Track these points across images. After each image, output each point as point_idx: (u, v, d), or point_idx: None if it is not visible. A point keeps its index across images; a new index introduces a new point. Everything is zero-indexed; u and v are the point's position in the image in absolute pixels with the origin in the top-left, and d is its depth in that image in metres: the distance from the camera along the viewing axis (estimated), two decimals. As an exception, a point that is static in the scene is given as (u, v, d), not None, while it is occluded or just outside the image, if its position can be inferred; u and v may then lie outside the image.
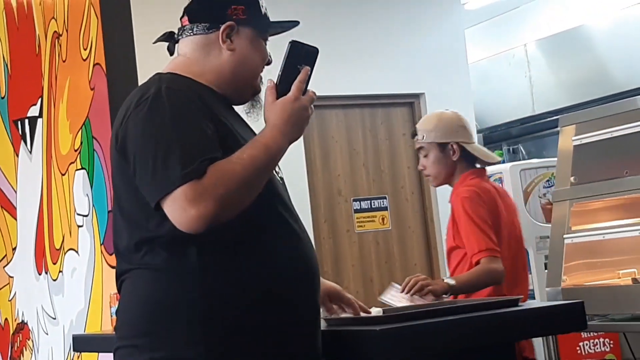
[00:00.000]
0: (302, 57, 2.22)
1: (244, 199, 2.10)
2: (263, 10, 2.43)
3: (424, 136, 3.92)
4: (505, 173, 5.88)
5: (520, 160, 7.26)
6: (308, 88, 2.18)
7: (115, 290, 4.39)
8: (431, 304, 3.03)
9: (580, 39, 7.70)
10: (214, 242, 2.14)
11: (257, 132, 2.21)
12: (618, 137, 4.81)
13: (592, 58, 7.57)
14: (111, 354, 4.64)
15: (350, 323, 2.66)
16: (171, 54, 2.49)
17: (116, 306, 4.18)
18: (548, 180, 5.72)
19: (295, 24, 2.48)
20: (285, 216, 2.27)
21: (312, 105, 2.20)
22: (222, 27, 2.34)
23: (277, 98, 2.18)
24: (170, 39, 2.49)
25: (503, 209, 3.90)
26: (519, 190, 5.82)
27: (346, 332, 2.54)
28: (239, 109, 2.40)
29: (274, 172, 2.27)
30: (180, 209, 2.04)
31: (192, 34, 2.39)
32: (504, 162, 7.47)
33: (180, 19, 2.45)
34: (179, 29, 2.43)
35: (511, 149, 8.21)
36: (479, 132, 7.84)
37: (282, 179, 2.38)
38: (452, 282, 3.56)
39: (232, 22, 2.35)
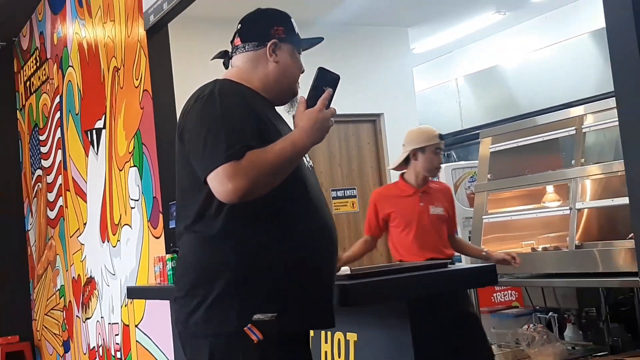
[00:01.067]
0: (327, 80, 2.17)
1: (271, 180, 2.02)
2: (296, 29, 2.35)
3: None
4: (442, 172, 5.90)
5: (452, 162, 7.29)
6: (331, 106, 2.12)
7: (159, 254, 4.45)
8: (384, 265, 2.96)
9: (495, 74, 7.78)
10: (251, 214, 2.07)
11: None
12: (521, 146, 4.89)
13: (504, 88, 7.64)
14: (154, 300, 4.69)
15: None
16: (226, 67, 2.40)
17: (159, 265, 4.24)
18: (472, 177, 5.75)
19: (320, 39, 2.40)
20: (309, 194, 2.18)
21: (332, 118, 2.11)
22: (269, 44, 2.26)
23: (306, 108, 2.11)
24: (225, 55, 2.41)
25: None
26: (451, 184, 5.83)
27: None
28: (281, 110, 2.33)
29: (305, 160, 2.21)
30: (220, 182, 1.96)
31: (244, 50, 2.29)
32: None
33: (232, 41, 2.35)
34: (233, 48, 2.34)
35: (446, 154, 8.21)
36: (423, 141, 7.89)
37: (311, 166, 2.30)
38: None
39: (276, 40, 2.27)
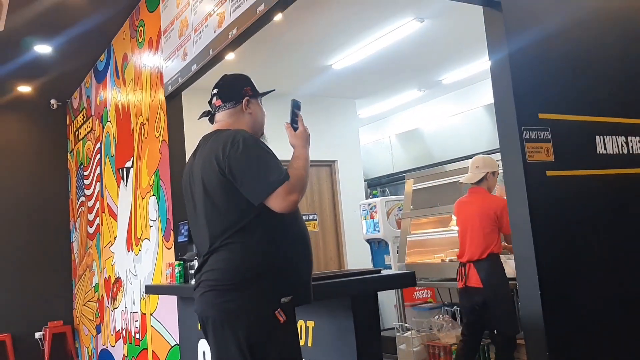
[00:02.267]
0: (296, 106, 2.30)
1: (306, 187, 2.13)
2: (256, 86, 2.38)
3: None
4: (378, 203, 5.94)
5: (386, 196, 7.35)
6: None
7: (169, 261, 4.38)
8: (332, 272, 2.93)
9: (417, 134, 7.89)
10: (267, 228, 2.10)
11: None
12: (435, 185, 4.97)
13: (423, 144, 7.75)
14: (165, 296, 4.59)
15: None
16: (211, 122, 2.39)
17: (169, 269, 4.18)
18: (399, 207, 5.79)
19: (273, 90, 2.46)
20: (298, 212, 2.23)
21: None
22: (243, 101, 2.30)
23: (294, 131, 2.26)
24: (209, 114, 2.39)
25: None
26: (384, 212, 5.87)
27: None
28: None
29: None
30: (282, 199, 2.01)
31: (226, 108, 2.30)
32: (377, 197, 7.58)
33: (211, 102, 2.36)
34: (213, 108, 2.34)
35: (381, 190, 8.29)
36: (365, 180, 7.92)
37: None
38: None
39: (248, 97, 2.31)
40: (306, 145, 2.25)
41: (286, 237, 2.15)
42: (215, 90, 2.35)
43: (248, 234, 2.08)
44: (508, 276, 3.77)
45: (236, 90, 2.32)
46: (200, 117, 2.47)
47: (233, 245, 2.09)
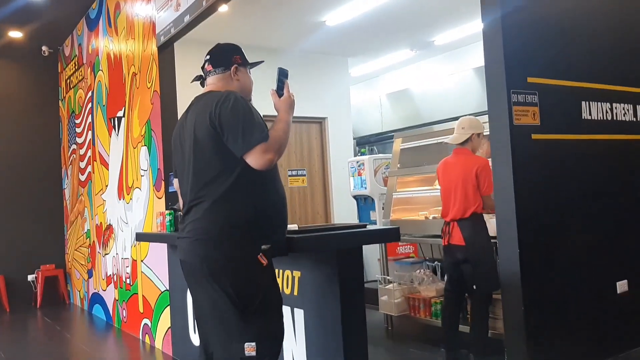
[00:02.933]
0: (284, 74, 2.38)
1: (283, 149, 2.22)
2: (246, 56, 2.47)
3: None
4: (366, 161, 5.94)
5: (374, 154, 7.36)
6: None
7: (160, 210, 4.38)
8: (319, 225, 2.96)
9: (407, 94, 7.84)
10: (249, 183, 2.19)
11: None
12: (422, 145, 4.97)
13: (412, 104, 7.71)
14: (156, 243, 4.62)
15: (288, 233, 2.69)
16: (202, 86, 2.48)
17: (160, 218, 4.19)
18: (387, 165, 5.78)
19: (262, 61, 2.53)
20: (276, 172, 2.33)
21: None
22: (232, 68, 2.40)
23: (279, 97, 2.35)
24: (201, 78, 2.49)
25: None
26: (372, 170, 5.87)
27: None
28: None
29: None
30: (259, 156, 2.13)
31: (215, 73, 2.40)
32: (365, 154, 7.58)
33: (203, 67, 2.46)
34: (205, 72, 2.44)
35: (369, 148, 8.30)
36: (354, 138, 7.90)
37: None
38: None
39: (236, 65, 2.41)
40: (289, 111, 2.34)
41: (266, 193, 2.25)
42: (208, 57, 2.46)
43: (232, 187, 2.17)
44: (491, 234, 3.82)
45: (226, 58, 2.42)
46: (192, 81, 2.57)
47: (217, 197, 2.18)
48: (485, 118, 3.88)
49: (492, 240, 3.73)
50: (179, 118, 2.53)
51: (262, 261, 2.16)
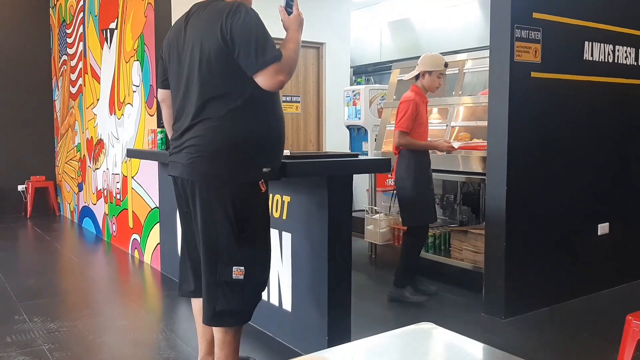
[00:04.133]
0: None
1: (294, 70, 2.14)
2: None
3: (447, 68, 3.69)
4: (362, 91, 5.87)
5: (370, 84, 7.26)
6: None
7: (151, 127, 4.36)
8: (312, 152, 2.93)
9: (408, 24, 7.64)
10: (255, 104, 2.12)
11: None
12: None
13: (412, 35, 7.54)
14: (146, 160, 4.62)
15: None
16: None
17: (151, 135, 4.16)
18: (382, 97, 5.74)
19: None
20: (279, 95, 2.25)
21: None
22: None
23: (288, 15, 2.23)
24: None
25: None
26: (368, 100, 5.83)
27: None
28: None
29: None
30: (271, 77, 2.04)
31: None
32: (361, 84, 7.49)
33: None
34: None
35: (366, 78, 8.18)
36: (351, 67, 7.77)
37: None
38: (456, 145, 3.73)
39: None
40: (299, 29, 2.22)
41: (270, 116, 2.17)
42: None
43: (240, 107, 2.09)
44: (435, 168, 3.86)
45: None
46: None
47: (224, 115, 2.09)
48: (486, 53, 3.81)
49: (426, 175, 3.70)
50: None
51: (262, 187, 2.13)
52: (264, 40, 2.04)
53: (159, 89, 2.45)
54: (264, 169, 2.13)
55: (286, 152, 2.60)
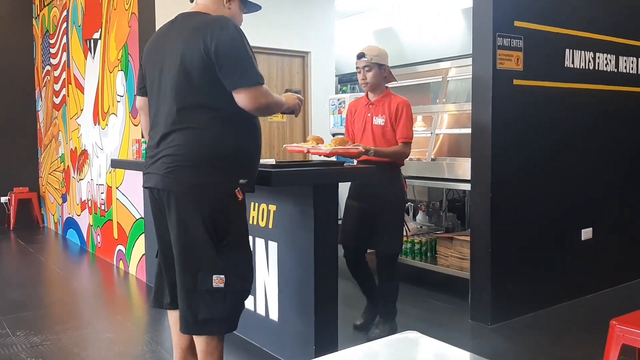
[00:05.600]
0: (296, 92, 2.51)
1: (271, 111, 2.25)
2: None
3: (370, 58, 3.15)
4: (347, 99, 5.86)
5: (355, 92, 7.27)
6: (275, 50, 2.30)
7: (136, 137, 4.33)
8: (298, 161, 2.91)
9: (392, 32, 7.67)
10: (235, 115, 2.11)
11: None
12: (405, 85, 4.93)
13: (397, 43, 7.56)
14: (131, 171, 4.58)
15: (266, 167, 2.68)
16: (192, 1, 2.30)
17: (136, 145, 4.13)
18: (367, 104, 5.73)
19: (259, 8, 2.42)
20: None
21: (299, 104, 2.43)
22: None
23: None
24: None
25: None
26: (353, 107, 5.81)
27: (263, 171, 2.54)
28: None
29: None
30: (253, 98, 2.05)
31: None
32: (346, 92, 7.50)
33: None
34: None
35: (351, 87, 8.18)
36: (336, 75, 7.77)
37: None
38: (371, 149, 2.99)
39: None
40: (291, 108, 2.38)
41: (248, 129, 2.19)
42: None
43: (219, 117, 2.09)
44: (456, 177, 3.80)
45: None
46: None
47: (203, 125, 2.09)
48: (469, 61, 3.84)
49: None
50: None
51: (239, 196, 2.13)
52: (250, 61, 2.05)
53: (137, 97, 2.43)
54: (241, 180, 2.13)
55: (271, 161, 2.59)
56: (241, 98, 2.04)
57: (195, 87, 2.07)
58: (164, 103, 2.14)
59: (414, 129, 3.20)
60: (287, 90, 2.53)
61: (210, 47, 2.01)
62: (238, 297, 2.19)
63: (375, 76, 3.19)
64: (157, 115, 2.19)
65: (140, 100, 2.40)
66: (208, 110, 2.09)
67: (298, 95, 2.45)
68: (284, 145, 3.04)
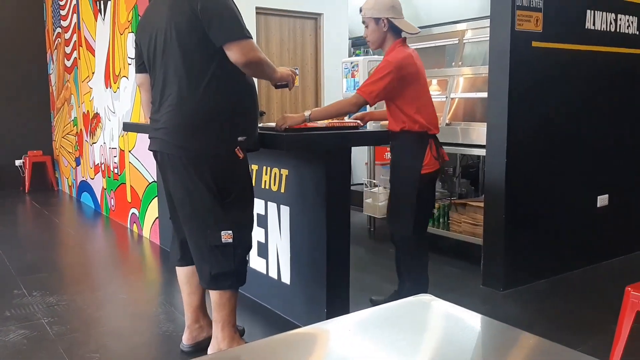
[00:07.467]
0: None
1: (261, 71, 2.19)
2: None
3: (365, 13, 2.84)
4: (361, 62, 5.79)
5: (369, 55, 7.16)
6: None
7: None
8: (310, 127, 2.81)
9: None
10: (225, 75, 2.13)
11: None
12: (419, 48, 4.81)
13: (410, 4, 7.39)
14: (143, 134, 4.58)
15: (268, 129, 2.65)
16: None
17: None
18: (381, 67, 5.65)
19: None
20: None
21: (291, 80, 2.39)
22: None
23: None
24: None
25: (419, 65, 2.83)
26: (367, 72, 5.74)
27: (267, 134, 2.51)
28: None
29: None
30: (245, 50, 2.04)
31: None
32: (359, 55, 7.38)
33: None
34: None
35: (364, 50, 8.06)
36: (350, 39, 7.64)
37: None
38: (307, 113, 2.58)
39: None
40: (281, 77, 2.32)
41: (239, 88, 2.20)
42: None
43: (210, 77, 2.11)
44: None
45: None
46: None
47: (195, 87, 2.12)
48: (486, 23, 3.74)
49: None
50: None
51: (239, 154, 2.17)
52: (236, 17, 2.07)
53: (136, 74, 2.45)
54: (239, 138, 2.17)
55: (272, 125, 2.57)
56: (232, 52, 2.05)
57: (186, 50, 2.11)
58: (160, 69, 2.19)
59: (430, 92, 2.89)
60: None
61: (197, 7, 2.04)
62: (244, 251, 2.28)
63: (373, 32, 2.83)
64: (156, 84, 2.23)
65: (140, 77, 2.43)
66: (199, 71, 2.11)
67: (292, 69, 2.42)
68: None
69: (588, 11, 3.61)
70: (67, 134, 7.10)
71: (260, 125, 2.56)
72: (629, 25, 3.89)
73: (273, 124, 2.60)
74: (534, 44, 3.32)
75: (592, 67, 3.69)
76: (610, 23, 3.77)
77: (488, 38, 3.41)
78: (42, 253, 4.38)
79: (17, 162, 7.44)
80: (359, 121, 2.94)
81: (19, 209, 6.47)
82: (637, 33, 3.96)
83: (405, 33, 2.86)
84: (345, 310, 2.66)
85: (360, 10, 2.89)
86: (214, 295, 2.28)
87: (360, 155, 5.35)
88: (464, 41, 4.48)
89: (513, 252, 3.41)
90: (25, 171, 7.38)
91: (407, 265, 2.92)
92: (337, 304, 2.63)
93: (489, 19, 3.39)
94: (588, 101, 3.71)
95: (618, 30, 3.82)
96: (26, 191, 7.32)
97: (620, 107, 3.93)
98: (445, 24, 5.78)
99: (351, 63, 5.89)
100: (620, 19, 3.82)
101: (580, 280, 3.56)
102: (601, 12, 3.68)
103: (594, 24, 3.66)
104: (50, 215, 5.91)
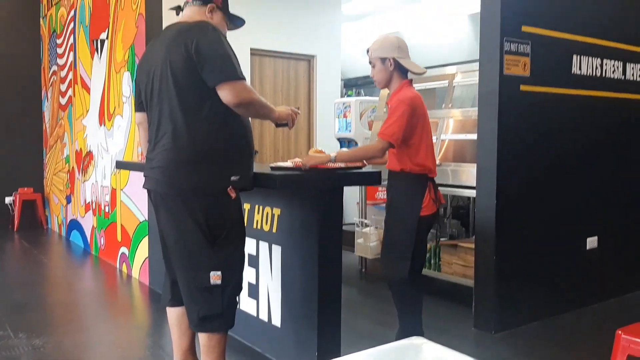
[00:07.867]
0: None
1: (254, 111, 2.22)
2: (229, 7, 2.40)
3: (371, 53, 2.87)
4: (353, 103, 5.87)
5: (361, 96, 7.26)
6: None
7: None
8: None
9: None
10: (219, 114, 2.14)
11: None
12: (410, 90, 4.90)
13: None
14: (136, 172, 4.58)
15: (279, 169, 2.67)
16: (177, 14, 2.43)
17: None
18: (373, 109, 5.74)
19: (242, 23, 2.47)
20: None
21: (290, 123, 2.44)
22: (209, 6, 2.32)
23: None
24: (178, 8, 2.43)
25: (425, 107, 2.79)
26: (358, 113, 5.81)
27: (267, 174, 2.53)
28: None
29: None
30: (236, 91, 2.07)
31: (192, 5, 2.33)
32: (351, 96, 7.49)
33: None
34: (185, 3, 2.36)
35: (356, 91, 8.17)
36: (342, 79, 7.76)
37: None
38: (333, 154, 2.61)
39: (213, 5, 2.34)
40: (280, 117, 2.37)
41: (233, 126, 2.22)
42: None
43: (203, 117, 2.14)
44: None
45: None
46: (171, 9, 2.51)
47: (189, 126, 2.15)
48: (475, 66, 3.82)
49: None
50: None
51: (232, 194, 2.18)
52: (230, 58, 2.10)
53: (136, 112, 2.49)
54: (232, 178, 2.17)
55: (287, 164, 2.60)
56: (224, 93, 2.07)
57: (181, 90, 2.14)
58: (156, 108, 2.22)
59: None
60: None
61: (191, 48, 2.08)
62: (234, 292, 2.25)
63: (380, 72, 2.85)
64: (152, 122, 2.27)
65: (139, 116, 2.46)
66: (194, 111, 2.14)
67: (293, 108, 2.46)
68: (270, 165, 2.82)
69: (574, 56, 3.71)
70: (59, 171, 7.09)
71: (271, 165, 2.61)
72: (614, 70, 3.99)
73: (285, 163, 2.61)
74: (522, 87, 3.39)
75: (579, 111, 3.77)
76: (596, 68, 3.87)
77: (477, 81, 3.48)
78: (29, 293, 4.31)
79: (7, 200, 7.39)
80: (364, 160, 2.85)
81: (7, 247, 6.39)
82: (623, 77, 4.07)
83: (412, 74, 2.88)
84: (337, 353, 2.62)
85: (368, 51, 2.92)
86: (202, 338, 2.24)
87: (351, 194, 5.37)
88: (454, 84, 4.56)
89: (504, 293, 3.40)
90: (15, 209, 7.32)
91: (402, 308, 2.87)
92: (328, 347, 2.60)
93: (478, 63, 3.47)
94: (576, 143, 3.77)
95: (604, 75, 3.92)
96: (15, 229, 7.25)
97: (607, 150, 4.00)
98: (436, 67, 5.90)
99: (343, 104, 5.98)
100: (605, 64, 3.92)
101: (572, 323, 3.55)
102: (587, 57, 3.78)
103: (580, 69, 3.75)
104: (39, 254, 5.85)
